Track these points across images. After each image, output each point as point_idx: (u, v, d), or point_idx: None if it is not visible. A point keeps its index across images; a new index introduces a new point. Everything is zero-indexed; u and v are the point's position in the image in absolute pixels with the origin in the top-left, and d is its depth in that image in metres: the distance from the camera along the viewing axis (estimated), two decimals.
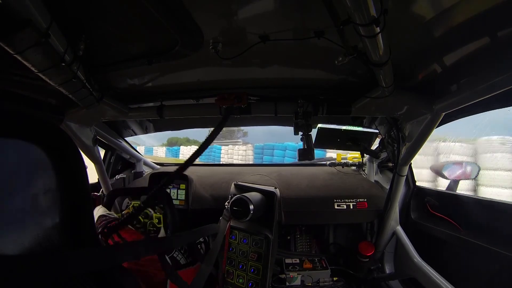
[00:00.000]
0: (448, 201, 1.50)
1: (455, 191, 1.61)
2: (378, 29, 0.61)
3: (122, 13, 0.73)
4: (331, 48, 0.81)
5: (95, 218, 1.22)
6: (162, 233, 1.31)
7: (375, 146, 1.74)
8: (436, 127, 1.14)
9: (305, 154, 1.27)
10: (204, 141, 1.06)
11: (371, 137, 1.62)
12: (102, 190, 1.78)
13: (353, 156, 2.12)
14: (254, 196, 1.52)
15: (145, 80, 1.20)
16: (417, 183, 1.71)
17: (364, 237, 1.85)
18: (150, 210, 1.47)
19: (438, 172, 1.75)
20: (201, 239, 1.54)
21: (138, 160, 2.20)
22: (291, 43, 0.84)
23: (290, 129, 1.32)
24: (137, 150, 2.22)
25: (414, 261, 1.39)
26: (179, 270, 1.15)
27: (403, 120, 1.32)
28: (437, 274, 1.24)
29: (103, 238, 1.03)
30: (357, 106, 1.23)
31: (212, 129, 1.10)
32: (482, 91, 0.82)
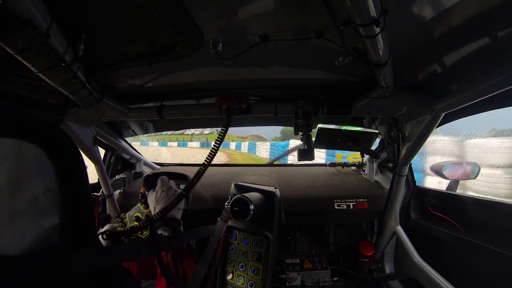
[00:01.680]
0: (448, 201, 1.50)
1: (455, 191, 1.62)
2: (378, 29, 0.61)
3: (122, 13, 0.73)
4: (331, 48, 0.81)
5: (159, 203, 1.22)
6: None
7: (375, 146, 1.74)
8: (436, 127, 1.14)
9: (305, 155, 1.27)
10: (214, 146, 1.07)
11: (371, 137, 1.62)
12: (102, 190, 1.78)
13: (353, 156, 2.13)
14: (254, 196, 1.52)
15: (145, 80, 1.20)
16: None
17: (364, 237, 1.85)
18: (142, 215, 1.46)
19: (438, 172, 1.75)
20: None
21: (138, 160, 2.20)
22: (291, 43, 0.84)
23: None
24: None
25: (414, 261, 1.39)
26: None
27: (403, 120, 1.32)
28: (437, 274, 1.24)
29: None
30: (357, 106, 1.23)
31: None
32: (482, 91, 0.82)
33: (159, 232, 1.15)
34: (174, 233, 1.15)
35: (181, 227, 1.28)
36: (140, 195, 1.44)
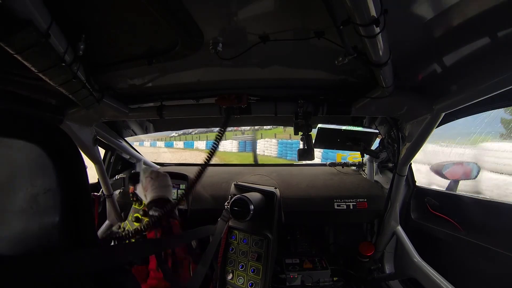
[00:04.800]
0: (448, 201, 1.50)
1: (455, 191, 1.62)
2: (378, 29, 0.61)
3: (122, 13, 0.73)
4: (331, 48, 0.81)
5: (157, 188, 1.21)
6: None
7: (375, 146, 1.74)
8: (436, 127, 1.14)
9: (305, 155, 1.28)
10: (212, 146, 1.07)
11: (371, 137, 1.62)
12: (102, 190, 1.78)
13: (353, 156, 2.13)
14: (254, 196, 1.52)
15: (145, 80, 1.20)
16: None
17: (364, 237, 1.86)
18: (141, 215, 1.47)
19: (438, 172, 1.75)
20: None
21: (138, 160, 2.20)
22: (291, 43, 0.84)
23: None
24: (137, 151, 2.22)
25: (414, 261, 1.39)
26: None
27: (403, 120, 1.32)
28: (437, 274, 1.24)
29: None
30: (357, 106, 1.23)
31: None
32: (482, 91, 0.83)
33: (150, 213, 1.15)
34: (164, 213, 1.14)
35: (176, 210, 1.25)
36: (131, 194, 1.45)
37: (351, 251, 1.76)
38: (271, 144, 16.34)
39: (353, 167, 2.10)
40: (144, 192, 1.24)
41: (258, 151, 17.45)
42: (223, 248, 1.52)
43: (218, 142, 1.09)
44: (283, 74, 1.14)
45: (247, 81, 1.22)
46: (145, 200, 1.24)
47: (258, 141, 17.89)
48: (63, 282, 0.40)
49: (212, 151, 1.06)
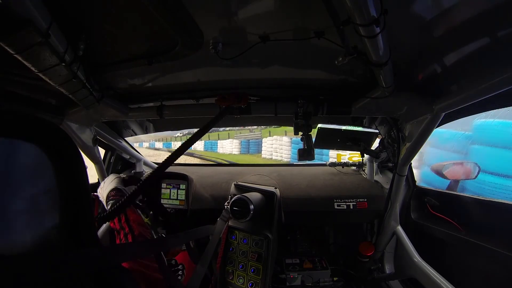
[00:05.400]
0: (448, 201, 1.50)
1: (455, 191, 1.62)
2: (378, 29, 0.61)
3: (122, 13, 0.73)
4: (331, 48, 0.81)
5: (106, 187, 1.21)
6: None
7: (375, 146, 1.74)
8: (436, 127, 1.14)
9: (305, 154, 1.28)
10: (192, 137, 1.06)
11: (371, 137, 1.62)
12: None
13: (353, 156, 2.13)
14: (254, 196, 1.52)
15: (145, 80, 1.21)
16: None
17: (364, 237, 1.86)
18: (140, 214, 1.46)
19: (438, 172, 1.75)
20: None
21: (138, 160, 2.20)
22: (291, 43, 0.84)
23: None
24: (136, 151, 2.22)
25: (414, 261, 1.39)
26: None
27: (403, 120, 1.32)
28: (437, 274, 1.24)
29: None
30: (357, 106, 1.23)
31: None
32: (482, 91, 0.82)
33: (107, 208, 1.14)
34: (118, 197, 1.14)
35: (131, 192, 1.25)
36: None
37: (351, 251, 1.76)
38: (282, 143, 12.50)
39: (353, 167, 2.10)
40: (106, 201, 1.23)
41: (265, 154, 14.23)
42: (223, 248, 1.52)
43: (200, 136, 1.07)
44: (283, 74, 1.14)
45: (247, 81, 1.22)
46: (108, 206, 1.23)
47: (264, 140, 14.81)
48: (63, 282, 0.40)
49: (188, 142, 1.03)
